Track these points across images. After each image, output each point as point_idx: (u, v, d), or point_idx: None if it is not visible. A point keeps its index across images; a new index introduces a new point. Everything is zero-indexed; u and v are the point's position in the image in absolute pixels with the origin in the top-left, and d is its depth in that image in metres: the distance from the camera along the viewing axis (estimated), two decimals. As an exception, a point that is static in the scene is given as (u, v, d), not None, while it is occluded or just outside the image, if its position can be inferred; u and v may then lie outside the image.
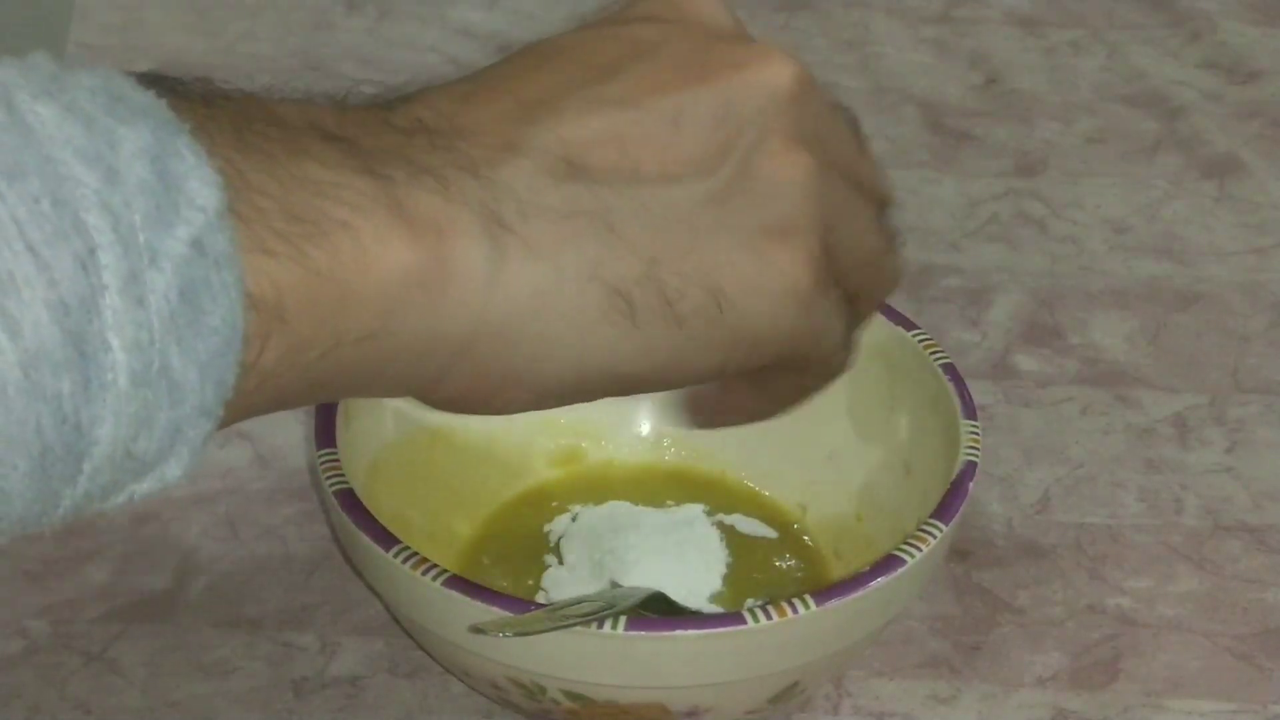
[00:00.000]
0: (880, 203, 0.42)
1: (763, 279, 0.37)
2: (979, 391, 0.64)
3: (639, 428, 0.60)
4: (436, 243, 0.34)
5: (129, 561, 0.58)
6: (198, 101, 0.32)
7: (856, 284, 0.41)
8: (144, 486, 0.32)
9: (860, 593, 0.46)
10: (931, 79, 0.82)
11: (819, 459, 0.58)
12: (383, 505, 0.51)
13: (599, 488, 0.59)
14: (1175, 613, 0.57)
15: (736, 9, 0.41)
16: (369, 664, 0.55)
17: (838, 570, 0.56)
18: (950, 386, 0.54)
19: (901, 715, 0.54)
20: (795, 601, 0.45)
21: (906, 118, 0.79)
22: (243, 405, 0.32)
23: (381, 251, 0.33)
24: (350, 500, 0.49)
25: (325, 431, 0.52)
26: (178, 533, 0.59)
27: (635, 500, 0.58)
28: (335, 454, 0.51)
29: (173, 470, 0.32)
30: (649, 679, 0.47)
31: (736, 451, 0.59)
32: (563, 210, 0.36)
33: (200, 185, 0.30)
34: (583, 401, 0.38)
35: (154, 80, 0.32)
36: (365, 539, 0.48)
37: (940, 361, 0.54)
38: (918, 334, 0.56)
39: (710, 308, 0.37)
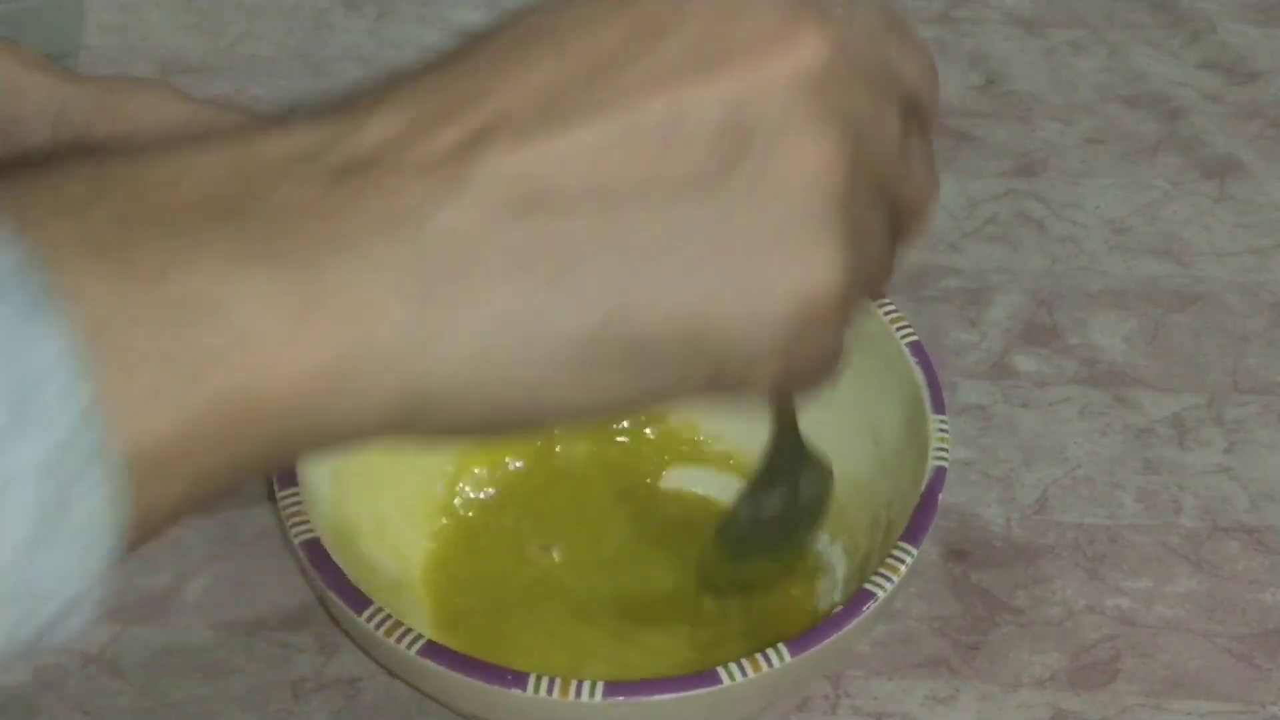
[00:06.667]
0: (928, 135, 0.37)
1: (760, 308, 0.32)
2: (977, 392, 0.64)
3: None
4: (359, 327, 0.30)
5: (127, 562, 0.57)
6: (76, 208, 0.29)
7: (896, 226, 0.36)
8: (38, 652, 0.30)
9: (834, 636, 0.46)
10: (931, 79, 0.82)
11: None
12: (353, 509, 0.51)
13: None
14: (1174, 613, 0.57)
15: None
16: (367, 665, 0.55)
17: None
18: (917, 369, 0.52)
19: (900, 715, 0.54)
20: (770, 654, 0.45)
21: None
22: (153, 533, 0.30)
23: (291, 360, 0.29)
24: (318, 554, 0.48)
25: (286, 469, 0.50)
26: (176, 533, 0.59)
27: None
28: (298, 495, 0.49)
29: (63, 636, 0.30)
30: None
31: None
32: (515, 255, 0.31)
33: (62, 384, 0.27)
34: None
35: (28, 187, 0.29)
36: (337, 599, 0.47)
37: (908, 340, 0.53)
38: (884, 306, 0.54)
39: (687, 345, 0.32)
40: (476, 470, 0.59)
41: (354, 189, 0.30)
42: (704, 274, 0.32)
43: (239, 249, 0.29)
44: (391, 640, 0.45)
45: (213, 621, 0.56)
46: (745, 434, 0.59)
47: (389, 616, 0.46)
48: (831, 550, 0.56)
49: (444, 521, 0.58)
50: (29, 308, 0.27)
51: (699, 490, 0.59)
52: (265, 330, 0.29)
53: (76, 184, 0.29)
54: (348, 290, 0.30)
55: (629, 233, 0.31)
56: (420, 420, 0.32)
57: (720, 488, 0.59)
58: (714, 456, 0.60)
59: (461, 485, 0.59)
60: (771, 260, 0.32)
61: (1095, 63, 0.82)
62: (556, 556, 0.57)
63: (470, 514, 0.58)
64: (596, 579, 0.57)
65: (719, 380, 0.34)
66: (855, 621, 0.46)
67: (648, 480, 0.59)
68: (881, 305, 0.54)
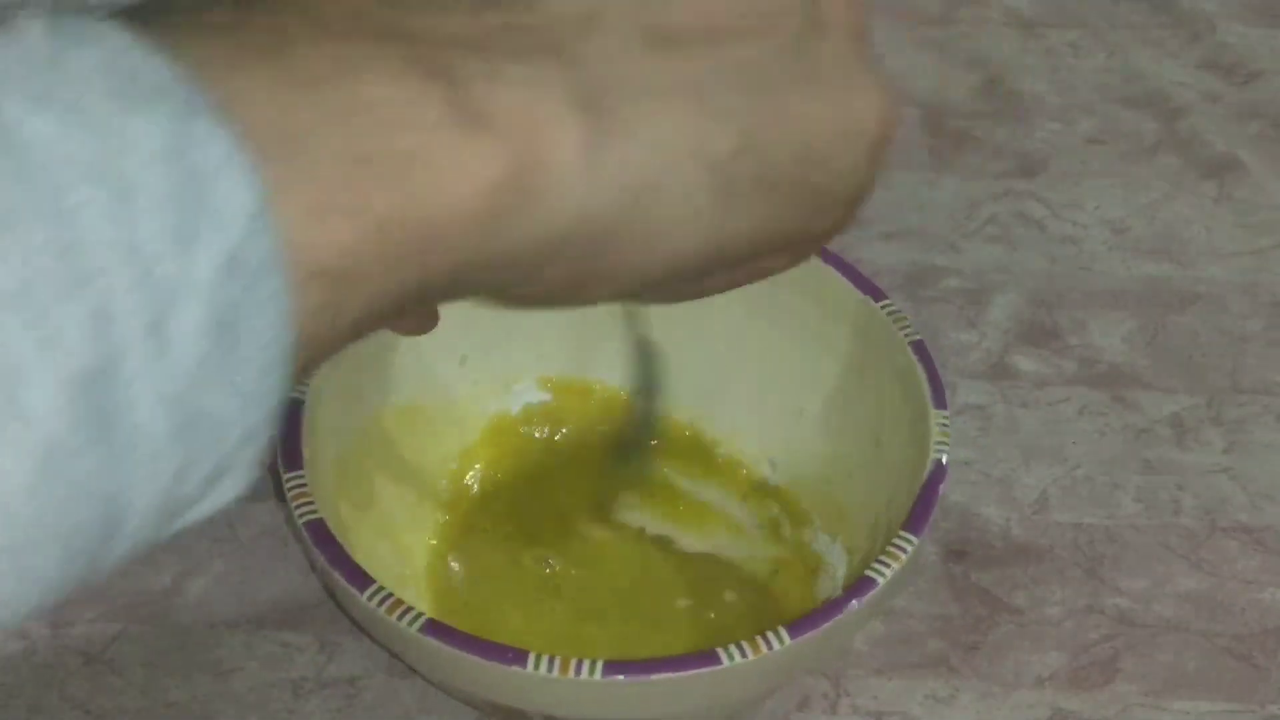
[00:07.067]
0: None
1: (851, 128, 0.36)
2: (977, 392, 0.64)
3: (611, 380, 0.60)
4: (527, 142, 0.30)
5: (127, 561, 0.58)
6: (225, 28, 0.28)
7: None
8: (196, 514, 0.29)
9: (833, 620, 0.46)
10: (932, 80, 0.82)
11: (788, 416, 0.58)
12: (356, 503, 0.51)
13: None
14: (1173, 613, 0.57)
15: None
16: (367, 664, 0.55)
17: (807, 535, 0.57)
18: (919, 366, 0.52)
19: (900, 714, 0.54)
20: (770, 636, 0.45)
21: (907, 119, 0.79)
22: (316, 361, 0.29)
23: (463, 172, 0.29)
24: (322, 534, 0.48)
25: (291, 452, 0.50)
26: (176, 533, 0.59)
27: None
28: (303, 477, 0.49)
29: (227, 493, 0.29)
30: (626, 712, 0.47)
31: (705, 404, 0.59)
32: (656, 85, 0.33)
33: (231, 185, 0.26)
34: (661, 291, 0.36)
35: (170, 9, 0.28)
36: (340, 579, 0.47)
37: (910, 338, 0.53)
38: (886, 305, 0.54)
39: (800, 170, 0.35)
40: (479, 466, 0.59)
41: (498, 22, 0.31)
42: (797, 102, 0.35)
43: (402, 65, 0.29)
44: (393, 618, 0.45)
45: (213, 621, 0.56)
46: (747, 437, 0.59)
47: (390, 595, 0.46)
48: (832, 550, 0.56)
49: (447, 518, 0.58)
50: (189, 110, 0.25)
51: (700, 496, 0.59)
52: (437, 146, 0.29)
53: (218, 15, 0.28)
54: (519, 107, 0.30)
55: (735, 67, 0.34)
56: (576, 259, 0.32)
57: (721, 493, 0.59)
58: (719, 462, 0.60)
59: (466, 481, 0.59)
60: (857, 91, 0.36)
61: (1095, 63, 0.82)
62: (555, 566, 0.57)
63: (473, 511, 0.58)
64: (598, 581, 0.57)
65: (814, 215, 0.36)
66: (855, 607, 0.46)
67: (650, 484, 0.60)
68: (883, 305, 0.54)
